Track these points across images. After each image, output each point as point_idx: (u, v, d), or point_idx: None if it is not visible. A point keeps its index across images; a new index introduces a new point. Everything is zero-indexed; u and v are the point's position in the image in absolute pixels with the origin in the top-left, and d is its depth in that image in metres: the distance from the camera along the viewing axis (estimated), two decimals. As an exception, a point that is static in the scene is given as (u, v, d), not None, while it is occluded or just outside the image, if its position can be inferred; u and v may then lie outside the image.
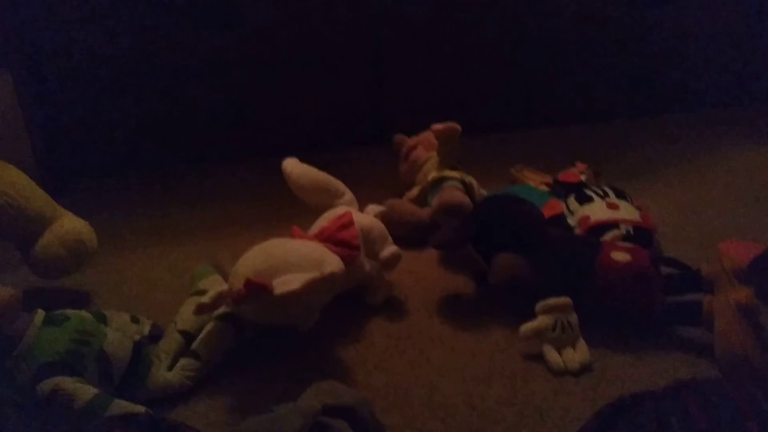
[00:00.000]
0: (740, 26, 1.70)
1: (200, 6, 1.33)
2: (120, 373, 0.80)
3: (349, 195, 1.08)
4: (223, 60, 1.39)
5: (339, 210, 1.02)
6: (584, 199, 1.15)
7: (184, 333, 0.89)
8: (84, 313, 0.86)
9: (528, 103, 1.63)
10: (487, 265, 1.00)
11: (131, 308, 0.96)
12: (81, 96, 1.35)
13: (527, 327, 0.90)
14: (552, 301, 0.91)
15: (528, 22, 1.54)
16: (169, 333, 0.90)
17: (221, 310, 0.89)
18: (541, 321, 0.90)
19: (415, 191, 1.23)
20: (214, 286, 0.92)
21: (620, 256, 0.94)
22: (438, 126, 1.17)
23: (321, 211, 1.04)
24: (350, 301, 0.99)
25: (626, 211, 1.11)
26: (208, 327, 0.88)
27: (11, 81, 1.29)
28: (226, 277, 0.92)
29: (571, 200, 1.17)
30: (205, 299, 0.84)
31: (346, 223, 0.95)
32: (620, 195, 1.16)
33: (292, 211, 1.12)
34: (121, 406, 0.75)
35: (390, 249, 1.01)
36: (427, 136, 1.28)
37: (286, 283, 0.78)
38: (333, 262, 0.82)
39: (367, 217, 1.03)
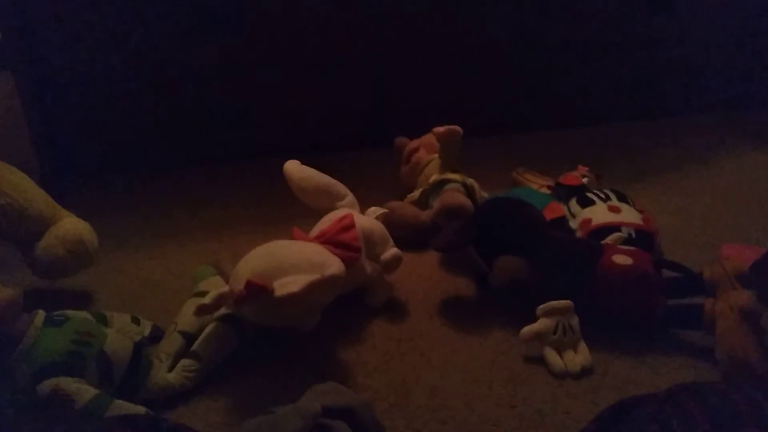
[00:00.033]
0: (744, 29, 1.70)
1: (202, 7, 1.33)
2: (120, 374, 0.80)
3: (350, 197, 1.08)
4: (225, 62, 1.39)
5: (340, 212, 1.02)
6: (586, 202, 1.15)
7: (184, 334, 0.89)
8: (84, 313, 0.87)
9: (530, 106, 1.63)
10: (489, 268, 1.00)
11: (132, 309, 0.96)
12: (82, 97, 1.35)
13: (528, 329, 0.90)
14: (553, 303, 0.90)
15: (530, 24, 1.54)
16: (169, 334, 0.90)
17: (222, 311, 0.89)
18: (542, 324, 0.90)
19: (416, 194, 1.23)
20: (215, 287, 0.92)
21: (622, 260, 0.93)
22: (439, 128, 1.17)
23: (322, 213, 1.04)
24: (351, 303, 0.99)
25: (628, 215, 1.11)
26: (209, 328, 0.88)
27: (13, 82, 1.29)
28: (226, 279, 0.92)
29: (573, 203, 1.17)
30: (206, 300, 0.84)
31: (348, 226, 0.95)
32: (622, 198, 1.15)
33: (293, 212, 1.12)
34: (121, 407, 0.75)
35: (391, 251, 1.01)
36: (429, 138, 1.27)
37: (287, 285, 0.78)
38: (334, 264, 0.82)
39: (369, 220, 1.03)
